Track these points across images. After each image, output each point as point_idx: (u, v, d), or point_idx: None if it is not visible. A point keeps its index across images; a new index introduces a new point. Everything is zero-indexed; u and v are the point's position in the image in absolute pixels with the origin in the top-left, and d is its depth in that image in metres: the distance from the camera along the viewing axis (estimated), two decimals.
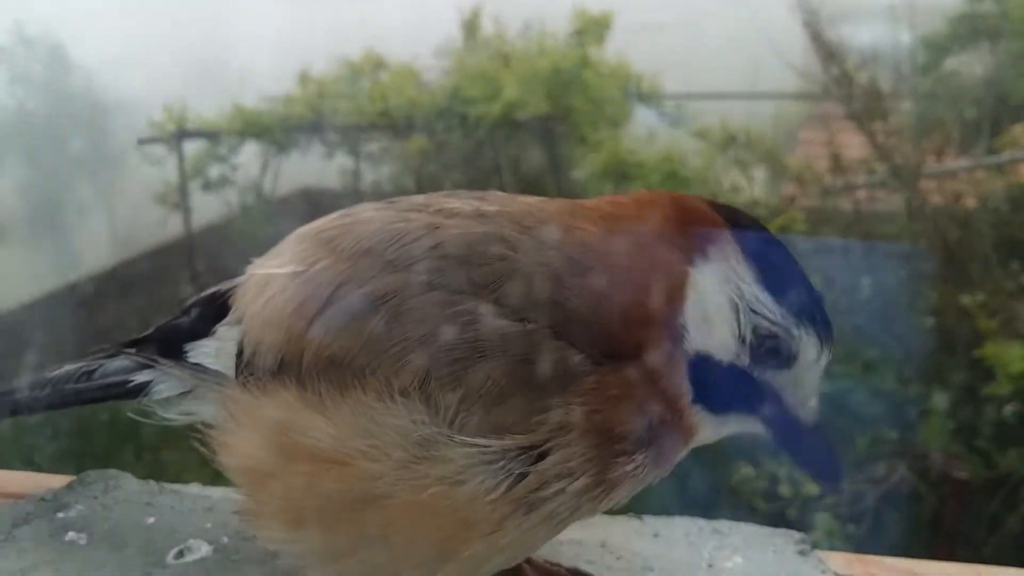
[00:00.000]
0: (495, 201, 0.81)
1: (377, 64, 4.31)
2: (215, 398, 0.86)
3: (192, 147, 4.24)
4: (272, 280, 0.82)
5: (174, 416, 0.93)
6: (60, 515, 1.00)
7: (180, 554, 0.93)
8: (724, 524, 1.03)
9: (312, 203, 5.20)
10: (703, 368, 0.72)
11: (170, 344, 0.90)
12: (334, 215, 0.89)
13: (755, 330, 0.71)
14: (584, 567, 0.94)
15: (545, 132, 3.77)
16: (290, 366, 0.76)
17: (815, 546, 1.00)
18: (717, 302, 0.71)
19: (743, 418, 0.75)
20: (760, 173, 3.55)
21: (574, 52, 3.77)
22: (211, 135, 4.09)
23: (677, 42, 3.72)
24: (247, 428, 0.79)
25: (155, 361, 0.91)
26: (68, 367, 0.97)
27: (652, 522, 1.02)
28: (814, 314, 0.72)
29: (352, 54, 4.38)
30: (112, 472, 1.10)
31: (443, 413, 0.68)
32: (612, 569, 0.97)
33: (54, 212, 4.30)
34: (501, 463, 0.68)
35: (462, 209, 0.79)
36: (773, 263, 0.73)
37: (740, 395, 0.73)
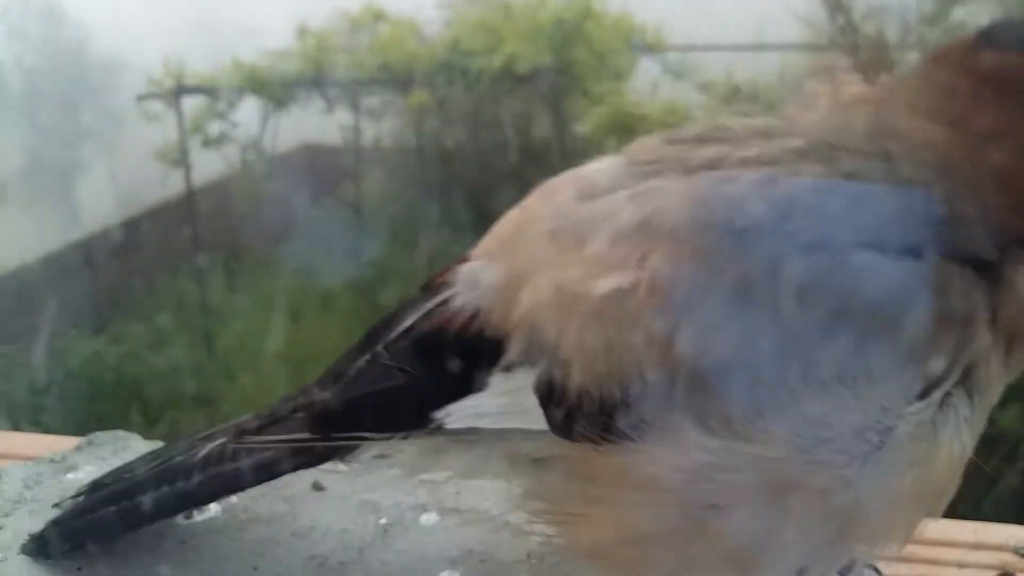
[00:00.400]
0: (769, 135, 0.66)
1: (377, 16, 4.24)
2: (510, 458, 0.69)
3: (191, 103, 4.20)
4: (581, 301, 0.63)
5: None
6: (70, 475, 1.01)
7: (189, 514, 0.92)
8: None
9: (313, 159, 5.18)
10: None
11: (404, 413, 0.70)
12: (564, 192, 0.70)
13: None
14: None
15: (547, 85, 3.73)
16: (654, 395, 0.60)
17: None
18: None
19: None
20: None
21: (576, 3, 3.70)
22: (210, 91, 4.04)
23: None
24: (631, 490, 0.62)
25: (377, 439, 0.72)
26: (213, 443, 0.77)
27: None
28: None
29: (351, 7, 4.32)
30: (121, 434, 1.09)
31: (890, 387, 0.59)
32: None
33: (54, 170, 4.29)
34: (957, 413, 0.61)
35: (756, 155, 0.63)
36: None
37: None
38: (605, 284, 0.63)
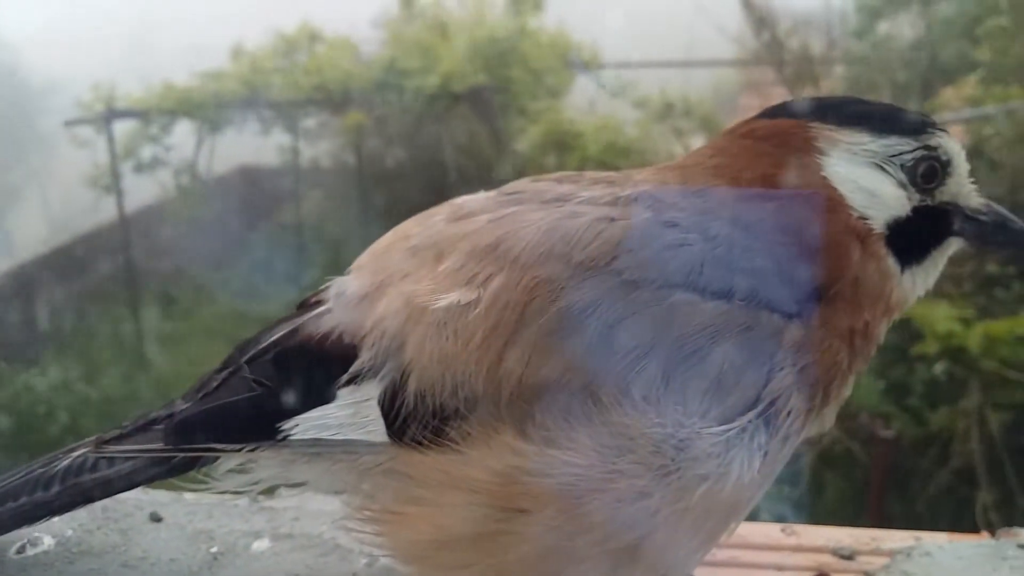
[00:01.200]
0: (610, 182, 0.75)
1: (313, 37, 4.21)
2: (349, 468, 0.72)
3: (122, 127, 4.11)
4: (427, 312, 0.67)
5: (242, 489, 0.76)
6: None
7: (22, 549, 0.89)
8: None
9: (251, 181, 5.10)
10: (898, 234, 0.73)
11: (252, 424, 0.72)
12: (439, 215, 0.76)
13: (903, 167, 0.73)
14: None
15: (484, 103, 3.73)
16: (481, 405, 0.65)
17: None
18: (863, 176, 0.73)
19: (944, 248, 0.75)
20: (698, 141, 3.56)
21: (511, 21, 3.72)
22: (141, 114, 3.96)
23: (614, 10, 3.70)
24: (448, 490, 0.67)
25: (227, 450, 0.73)
26: (73, 455, 0.77)
27: None
28: (928, 120, 0.74)
29: (287, 27, 4.28)
30: None
31: (691, 405, 0.64)
32: None
33: None
34: (753, 440, 0.66)
35: (598, 196, 0.71)
36: (867, 112, 0.74)
37: (933, 230, 0.74)
38: (448, 298, 0.67)
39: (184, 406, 0.75)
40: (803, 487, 2.75)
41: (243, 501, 0.91)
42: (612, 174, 0.78)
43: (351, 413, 0.69)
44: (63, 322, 4.23)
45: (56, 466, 0.77)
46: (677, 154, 3.51)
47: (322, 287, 0.77)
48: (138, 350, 3.98)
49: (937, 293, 2.79)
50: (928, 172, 0.73)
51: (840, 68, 3.48)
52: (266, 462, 0.74)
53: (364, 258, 0.78)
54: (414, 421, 0.67)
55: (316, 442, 0.71)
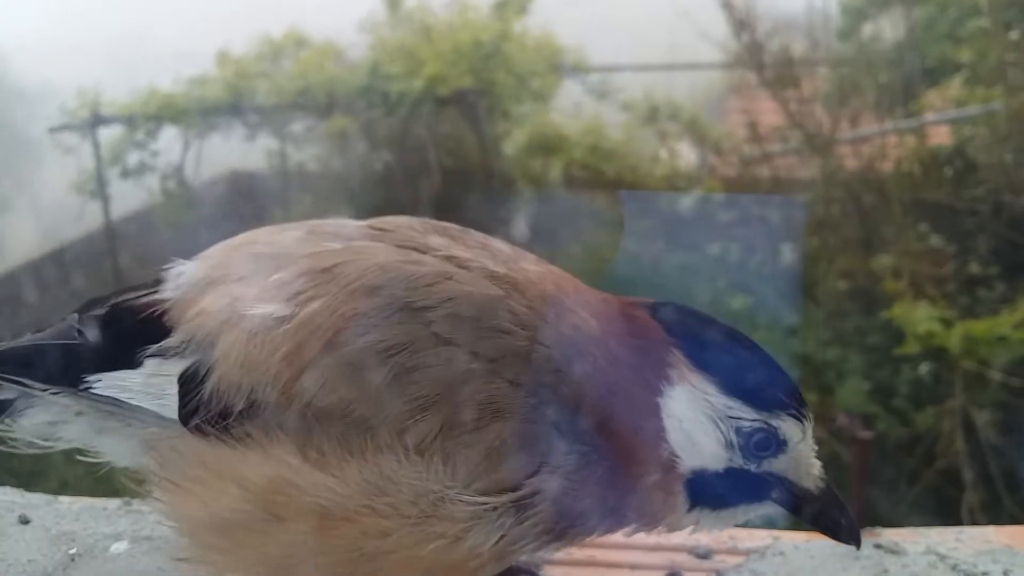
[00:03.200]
0: (494, 255, 0.78)
1: (299, 42, 4.21)
2: (141, 437, 0.76)
3: (108, 133, 4.10)
4: (249, 316, 0.72)
5: (41, 442, 0.80)
6: None
7: None
8: None
9: (239, 187, 5.09)
10: (702, 482, 0.74)
11: (60, 369, 0.77)
12: (296, 230, 0.79)
13: (738, 432, 0.73)
14: None
15: (469, 107, 3.73)
16: (270, 414, 0.70)
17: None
18: (692, 421, 0.73)
19: (753, 507, 0.77)
20: (684, 145, 3.57)
21: (496, 25, 3.73)
22: (126, 120, 3.95)
23: (599, 14, 3.70)
24: (223, 480, 0.71)
25: (33, 387, 0.77)
26: None
27: None
28: (785, 399, 0.74)
29: (274, 32, 4.27)
30: None
31: (458, 470, 0.68)
32: None
33: None
34: (498, 520, 0.69)
35: (470, 261, 0.75)
36: (729, 365, 0.74)
37: (745, 491, 0.76)
38: (264, 308, 0.71)
39: (11, 342, 0.81)
40: None
41: (112, 504, 0.95)
42: (506, 250, 0.80)
43: (151, 383, 0.74)
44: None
45: None
46: (662, 158, 3.52)
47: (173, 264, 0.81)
48: None
49: (918, 294, 2.80)
50: (762, 443, 0.74)
51: (823, 70, 3.48)
52: (69, 424, 0.78)
53: (214, 250, 0.81)
54: (204, 413, 0.71)
55: (114, 401, 0.75)
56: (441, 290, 0.70)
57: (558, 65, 4.01)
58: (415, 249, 0.75)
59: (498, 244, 0.81)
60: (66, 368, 0.76)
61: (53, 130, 3.95)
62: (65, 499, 1.01)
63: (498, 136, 3.65)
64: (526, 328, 0.71)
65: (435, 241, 0.77)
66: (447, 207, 3.89)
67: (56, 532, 0.97)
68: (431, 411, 0.67)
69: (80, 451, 0.82)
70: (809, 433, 0.75)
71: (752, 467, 0.74)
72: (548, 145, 3.44)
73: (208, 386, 0.71)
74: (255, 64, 4.08)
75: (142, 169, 4.12)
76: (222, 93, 3.91)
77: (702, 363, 0.73)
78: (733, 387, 0.73)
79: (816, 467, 0.76)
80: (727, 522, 0.78)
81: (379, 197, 4.44)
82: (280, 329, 0.70)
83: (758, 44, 2.89)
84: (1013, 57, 3.02)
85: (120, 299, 0.79)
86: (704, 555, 1.01)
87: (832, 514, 0.76)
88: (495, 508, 0.69)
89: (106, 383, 0.75)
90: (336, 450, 0.68)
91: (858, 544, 0.78)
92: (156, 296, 0.77)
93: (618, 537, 0.99)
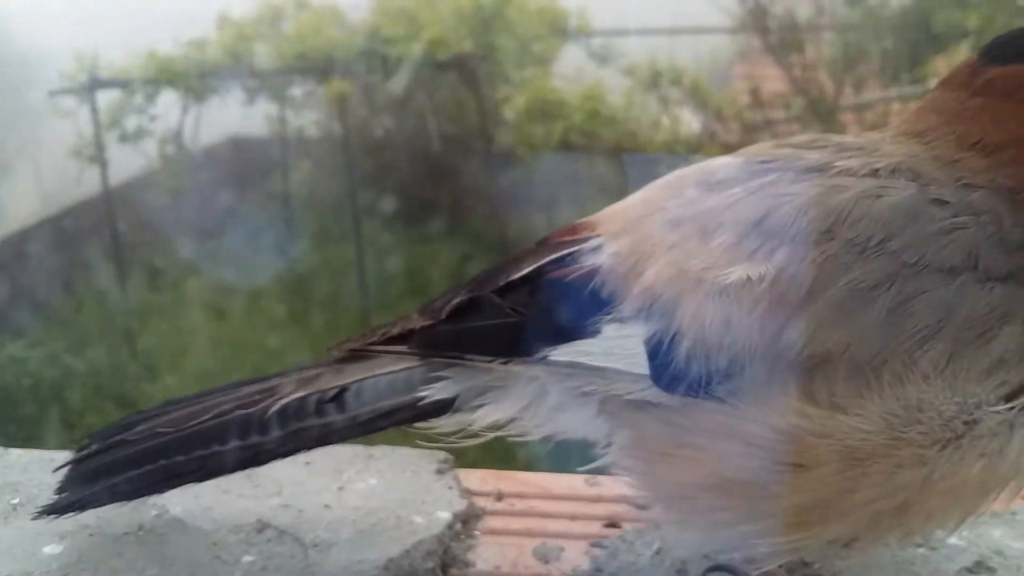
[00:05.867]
0: (860, 148, 0.75)
1: (299, 4, 4.16)
2: (606, 410, 0.75)
3: (106, 97, 4.07)
4: (705, 283, 0.71)
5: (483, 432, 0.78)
6: None
7: None
8: (380, 450, 1.06)
9: (239, 151, 5.07)
10: None
11: (509, 346, 0.75)
12: (688, 184, 0.78)
13: None
14: None
15: (469, 72, 3.69)
16: (759, 370, 0.69)
17: (455, 466, 1.04)
18: None
19: None
20: (686, 111, 3.53)
21: None
22: (124, 84, 3.92)
23: None
24: (722, 440, 0.70)
25: (474, 361, 0.75)
26: (290, 397, 0.78)
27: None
28: None
29: None
30: None
31: (981, 383, 0.67)
32: (248, 497, 0.98)
33: None
34: None
35: (854, 167, 0.72)
36: None
37: None
38: (736, 271, 0.70)
39: (425, 322, 0.78)
40: None
41: (61, 456, 0.90)
42: (858, 139, 0.77)
43: (613, 345, 0.73)
44: (50, 295, 4.22)
45: (264, 406, 0.78)
46: (662, 124, 3.48)
47: (560, 229, 0.81)
48: (124, 323, 3.97)
49: None
50: None
51: (829, 35, 3.43)
52: (512, 395, 0.77)
53: (614, 222, 0.80)
54: (682, 377, 0.70)
55: (573, 365, 0.73)
56: (880, 213, 0.69)
57: (561, 29, 3.96)
58: (811, 171, 0.73)
59: (850, 139, 0.78)
60: (518, 342, 0.75)
61: (52, 93, 3.92)
62: (15, 451, 1.02)
63: (498, 101, 3.61)
64: (962, 211, 0.68)
65: (816, 157, 0.74)
66: (445, 173, 3.87)
67: (2, 483, 0.98)
68: (937, 338, 0.66)
69: None
70: None
71: None
72: (548, 111, 3.40)
73: (681, 350, 0.71)
74: (255, 27, 4.03)
75: (140, 134, 4.10)
76: (221, 56, 3.87)
77: None
78: None
79: None
80: None
81: (378, 162, 4.41)
82: (756, 288, 0.69)
83: (763, 8, 2.84)
84: (1021, 23, 2.97)
85: (531, 269, 0.77)
86: (644, 505, 1.01)
87: None
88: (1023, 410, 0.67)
89: (561, 351, 0.74)
90: (849, 391, 0.67)
91: None
92: (586, 266, 0.76)
93: (560, 488, 1.03)
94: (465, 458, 1.04)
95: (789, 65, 2.87)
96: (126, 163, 4.33)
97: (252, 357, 3.71)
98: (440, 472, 1.03)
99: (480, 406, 0.78)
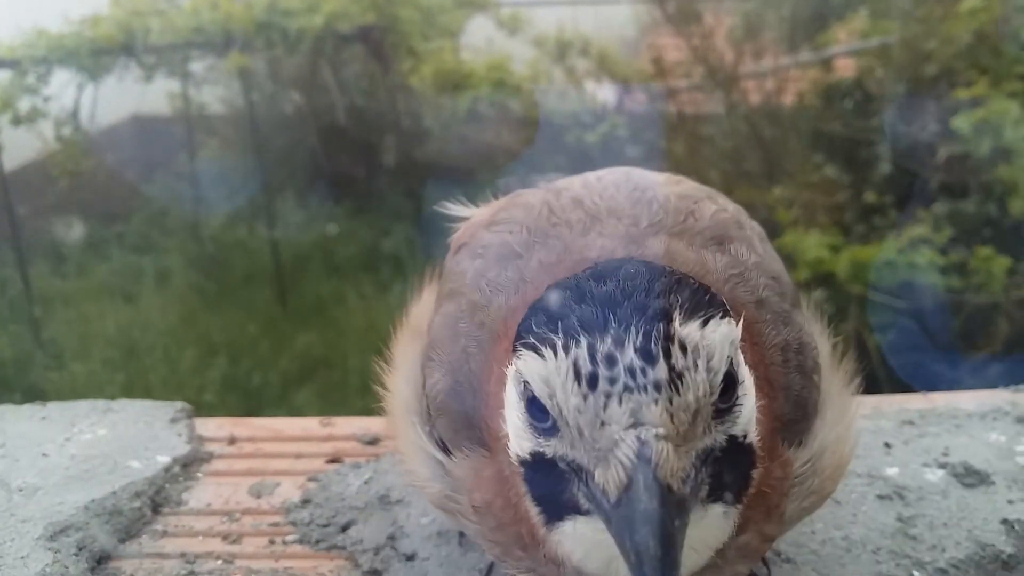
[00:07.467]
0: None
1: None
2: None
3: None
4: None
5: None
6: None
7: None
8: (119, 403, 1.11)
9: (143, 131, 4.90)
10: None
11: None
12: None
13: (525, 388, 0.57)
14: None
15: (374, 44, 3.63)
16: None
17: (192, 415, 1.09)
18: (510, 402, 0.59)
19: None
20: (593, 82, 3.55)
21: None
22: (14, 64, 3.74)
23: None
24: None
25: None
26: None
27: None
28: (532, 324, 0.57)
29: None
30: None
31: None
32: None
33: None
34: None
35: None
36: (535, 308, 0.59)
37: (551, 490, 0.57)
38: None
39: None
40: None
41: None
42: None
43: None
44: None
45: None
46: (570, 95, 3.48)
47: None
48: (28, 311, 3.82)
49: (810, 223, 2.87)
50: (531, 401, 0.55)
51: (729, 4, 3.48)
52: None
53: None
54: None
55: None
56: None
57: (467, 1, 3.92)
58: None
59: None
60: None
61: None
62: None
63: (404, 73, 3.57)
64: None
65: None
66: (357, 148, 3.82)
67: None
68: None
69: None
70: (584, 371, 0.51)
71: (542, 448, 0.54)
72: (454, 81, 3.38)
73: None
74: (149, 2, 3.88)
75: (34, 115, 3.91)
76: (115, 33, 3.72)
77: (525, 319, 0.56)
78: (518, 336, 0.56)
79: (626, 448, 0.50)
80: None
81: (287, 138, 4.32)
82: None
83: None
84: None
85: None
86: (370, 441, 1.06)
87: (626, 534, 0.50)
88: None
89: None
90: None
91: None
92: None
93: (293, 430, 1.08)
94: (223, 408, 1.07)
95: (689, 34, 2.90)
96: (22, 146, 4.14)
97: (162, 340, 3.62)
98: (174, 421, 1.07)
99: None
